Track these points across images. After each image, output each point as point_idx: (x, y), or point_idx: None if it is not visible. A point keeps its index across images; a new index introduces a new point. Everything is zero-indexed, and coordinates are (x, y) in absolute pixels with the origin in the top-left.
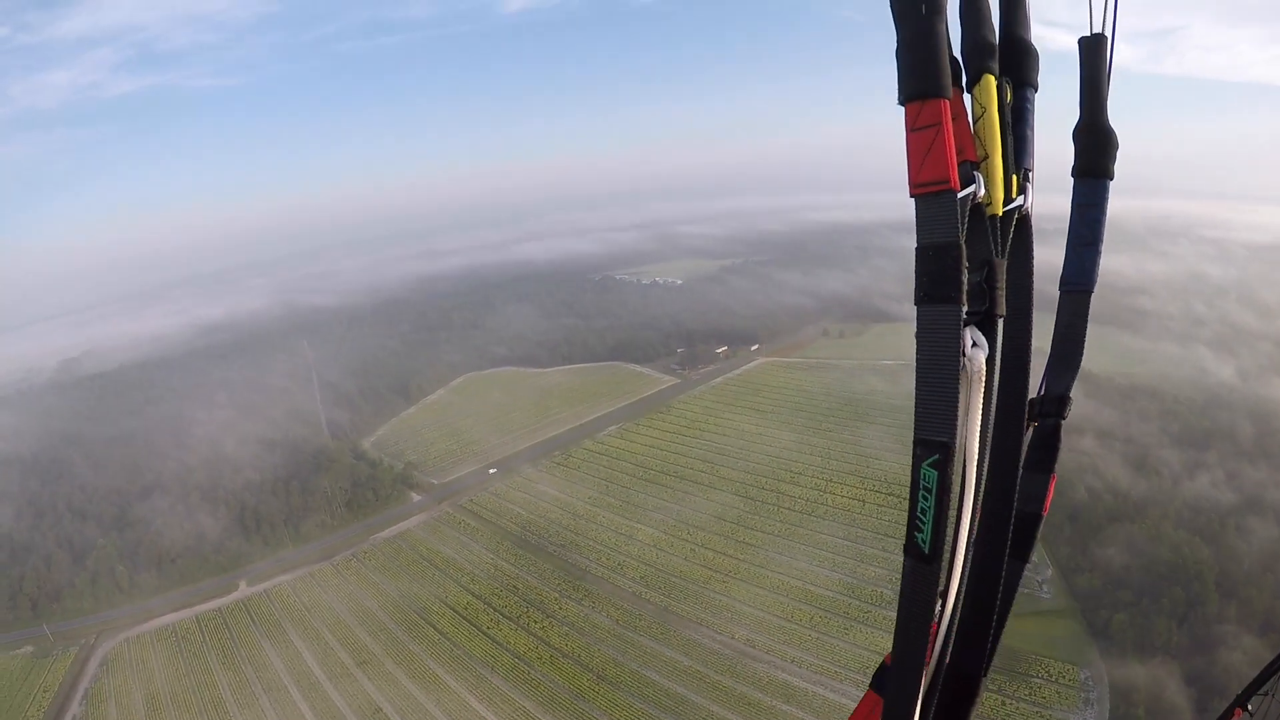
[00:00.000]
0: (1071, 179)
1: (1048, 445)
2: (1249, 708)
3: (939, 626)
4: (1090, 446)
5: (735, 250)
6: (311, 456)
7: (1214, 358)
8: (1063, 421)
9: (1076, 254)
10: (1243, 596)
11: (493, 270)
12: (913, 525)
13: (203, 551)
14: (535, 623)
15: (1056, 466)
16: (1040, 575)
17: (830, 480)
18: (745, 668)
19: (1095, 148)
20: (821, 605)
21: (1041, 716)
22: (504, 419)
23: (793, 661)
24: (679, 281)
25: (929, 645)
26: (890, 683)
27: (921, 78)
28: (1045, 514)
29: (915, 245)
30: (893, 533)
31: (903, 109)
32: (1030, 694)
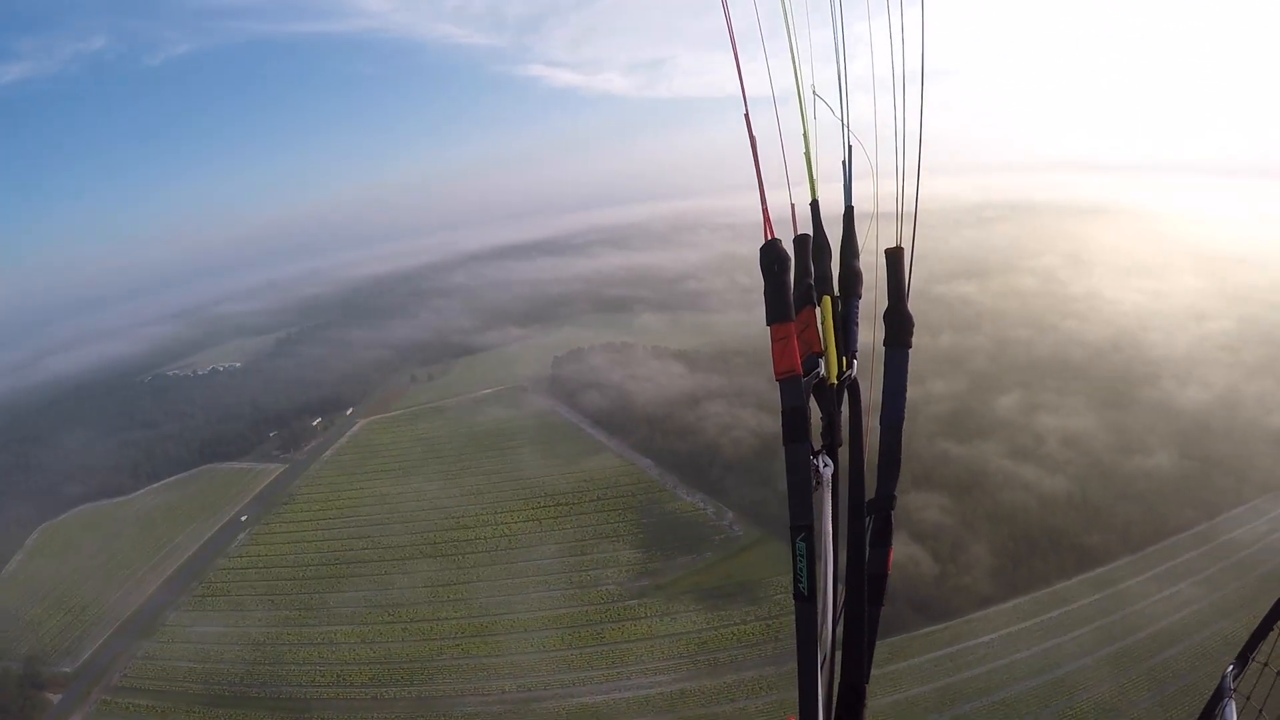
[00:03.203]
0: (884, 347)
1: (884, 528)
2: (1231, 688)
3: (830, 656)
4: (719, 409)
5: (286, 320)
6: None
7: None
8: (892, 512)
9: (889, 399)
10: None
11: (18, 396)
12: (795, 578)
13: None
14: None
15: (892, 541)
16: (724, 520)
17: (496, 513)
18: (537, 711)
19: (898, 327)
20: (564, 624)
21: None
22: (112, 566)
23: (575, 684)
24: (238, 364)
25: (820, 668)
26: (799, 696)
27: (776, 310)
28: (889, 573)
29: (780, 409)
30: (582, 538)
31: (769, 328)
32: (779, 610)
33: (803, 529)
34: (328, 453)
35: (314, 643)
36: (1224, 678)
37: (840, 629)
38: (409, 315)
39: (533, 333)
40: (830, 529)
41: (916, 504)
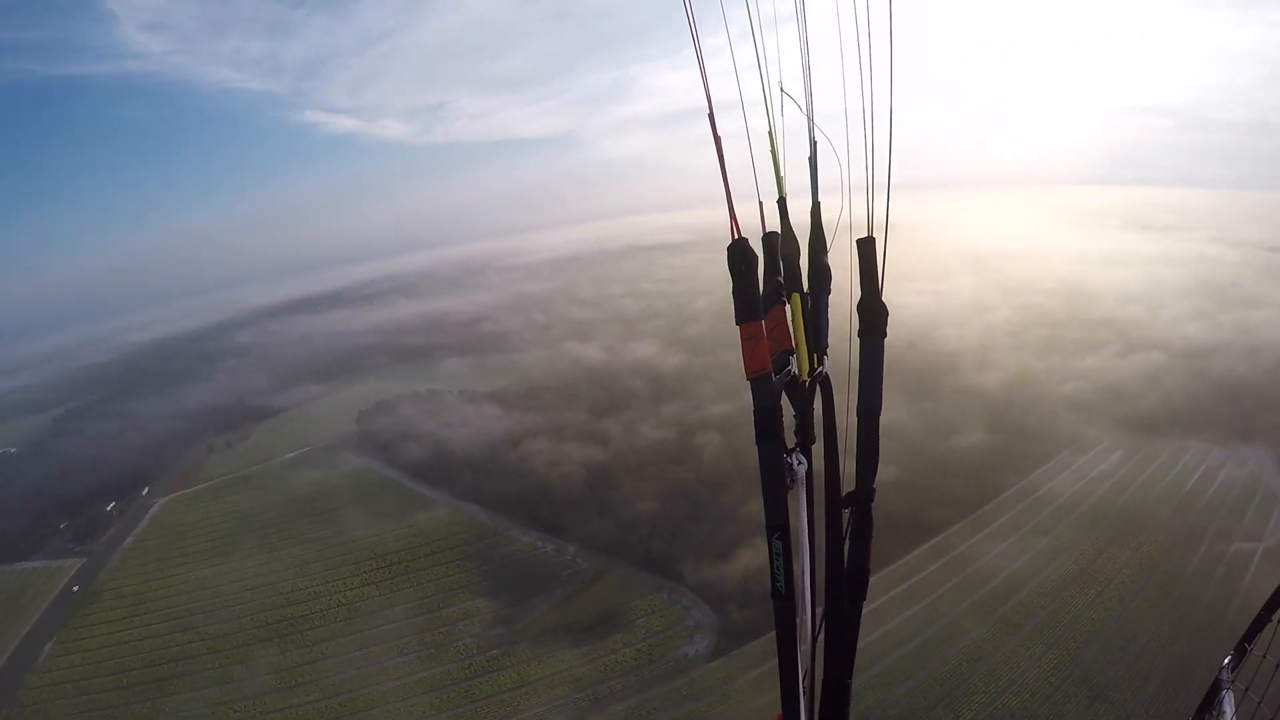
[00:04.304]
0: (859, 338)
1: (864, 521)
2: (1229, 679)
3: (811, 652)
4: (541, 446)
5: (62, 395)
6: None
7: (580, 346)
8: (871, 505)
9: (865, 390)
10: (723, 483)
11: None
12: (773, 577)
13: None
14: None
15: (873, 534)
16: (566, 555)
17: (329, 583)
18: None
19: (872, 318)
20: (429, 687)
21: (672, 635)
22: None
23: None
24: (13, 449)
25: (802, 665)
26: (782, 694)
27: (745, 309)
28: (870, 565)
29: (752, 407)
30: (425, 595)
31: (738, 327)
32: (646, 633)
33: (778, 528)
34: (129, 539)
35: None
36: (1221, 669)
37: (821, 625)
38: (199, 380)
39: (333, 388)
40: (806, 526)
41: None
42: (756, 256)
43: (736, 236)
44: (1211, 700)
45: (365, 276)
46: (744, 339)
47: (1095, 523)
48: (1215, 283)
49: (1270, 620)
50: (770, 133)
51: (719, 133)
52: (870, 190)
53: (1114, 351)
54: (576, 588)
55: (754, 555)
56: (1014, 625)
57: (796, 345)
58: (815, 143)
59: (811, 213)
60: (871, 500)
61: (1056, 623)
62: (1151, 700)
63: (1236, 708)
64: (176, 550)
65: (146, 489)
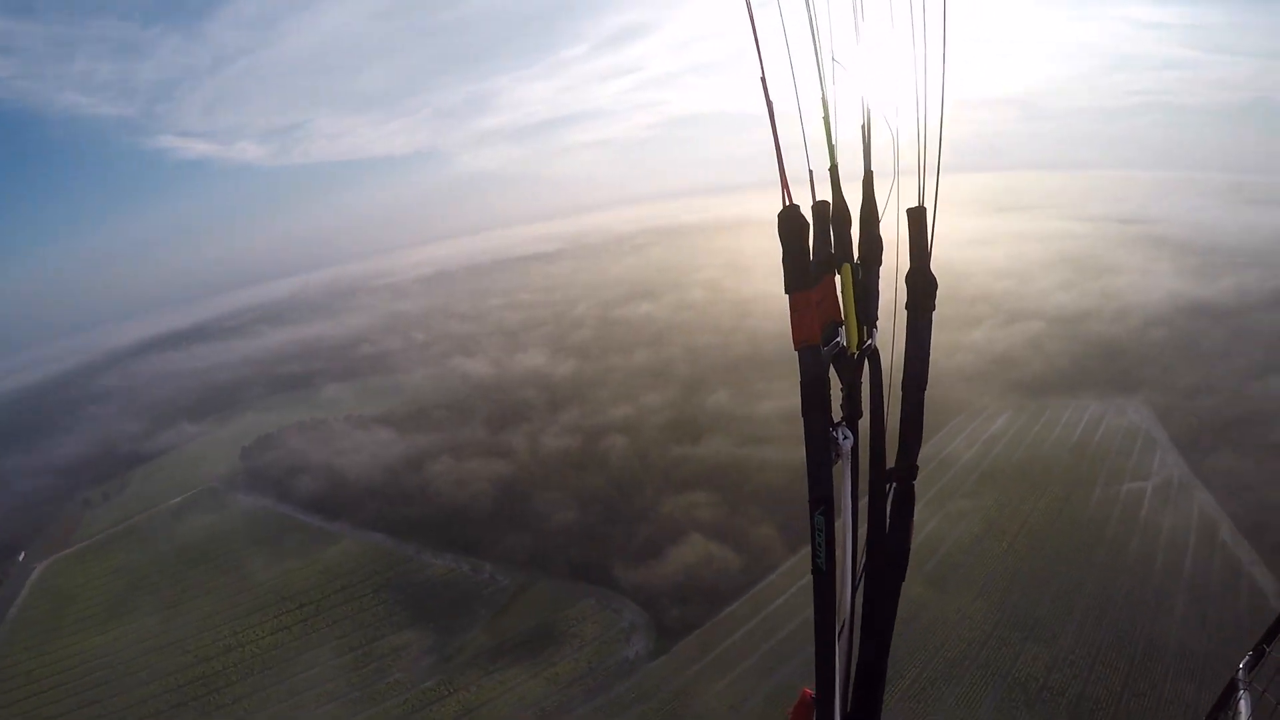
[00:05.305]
0: (906, 311)
1: (906, 498)
2: (1245, 680)
3: (850, 629)
4: (441, 466)
5: None
6: None
7: (467, 361)
8: (914, 482)
9: (911, 365)
10: (634, 484)
11: None
12: (814, 552)
13: None
14: None
15: (915, 512)
16: (484, 574)
17: (238, 634)
18: None
19: (921, 289)
20: None
21: (609, 640)
22: None
23: None
24: None
25: (838, 642)
26: (816, 670)
27: (795, 278)
28: (911, 545)
29: (799, 380)
30: (344, 634)
31: (788, 296)
32: (582, 642)
33: (821, 502)
34: (12, 611)
35: None
36: (1238, 670)
37: (859, 603)
38: (61, 430)
39: (210, 426)
40: (850, 502)
41: (685, 505)
42: (808, 224)
43: (788, 203)
44: (1227, 700)
45: (229, 307)
46: (792, 309)
47: (996, 479)
48: (1075, 255)
49: None
50: (823, 99)
51: (771, 97)
52: (922, 157)
53: (995, 324)
54: (500, 606)
55: (678, 552)
56: (939, 581)
57: (846, 317)
58: (869, 110)
59: (864, 181)
60: (914, 477)
61: (978, 575)
62: (1079, 630)
63: (1253, 710)
64: (67, 617)
65: (23, 554)
